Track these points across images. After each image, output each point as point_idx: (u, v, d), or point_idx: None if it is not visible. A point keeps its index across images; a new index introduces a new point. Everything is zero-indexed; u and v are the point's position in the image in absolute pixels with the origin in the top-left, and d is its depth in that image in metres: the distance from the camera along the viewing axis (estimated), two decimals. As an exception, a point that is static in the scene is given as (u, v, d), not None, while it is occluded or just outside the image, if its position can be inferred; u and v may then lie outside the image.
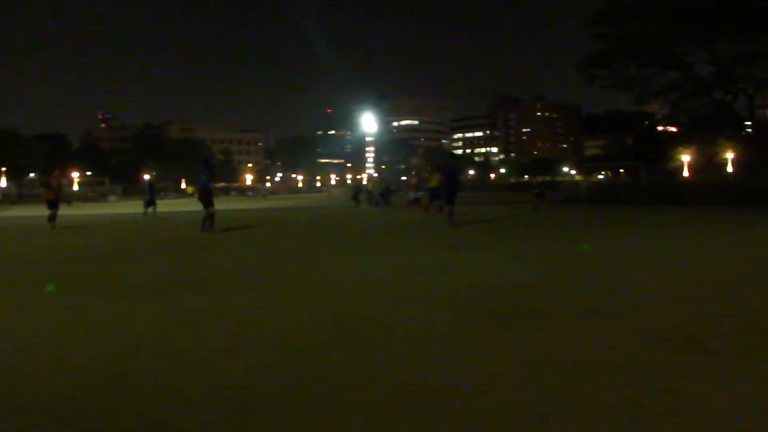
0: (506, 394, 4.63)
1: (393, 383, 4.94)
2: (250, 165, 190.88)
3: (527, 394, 4.63)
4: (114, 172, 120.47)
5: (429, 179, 31.90)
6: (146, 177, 37.01)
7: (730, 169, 76.71)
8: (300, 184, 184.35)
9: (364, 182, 49.71)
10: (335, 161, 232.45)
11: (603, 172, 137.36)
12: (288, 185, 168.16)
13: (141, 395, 4.77)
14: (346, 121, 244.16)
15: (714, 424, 4.03)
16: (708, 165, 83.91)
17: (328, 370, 5.31)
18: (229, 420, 4.26)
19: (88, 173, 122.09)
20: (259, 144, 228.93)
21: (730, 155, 76.36)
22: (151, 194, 32.08)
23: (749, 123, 58.55)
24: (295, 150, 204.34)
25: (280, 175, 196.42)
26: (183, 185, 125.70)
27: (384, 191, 43.22)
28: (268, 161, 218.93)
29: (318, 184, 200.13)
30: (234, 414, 4.36)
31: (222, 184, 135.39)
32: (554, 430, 4.00)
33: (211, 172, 21.00)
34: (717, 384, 4.79)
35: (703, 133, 73.31)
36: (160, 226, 24.98)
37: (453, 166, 22.38)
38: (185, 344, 6.21)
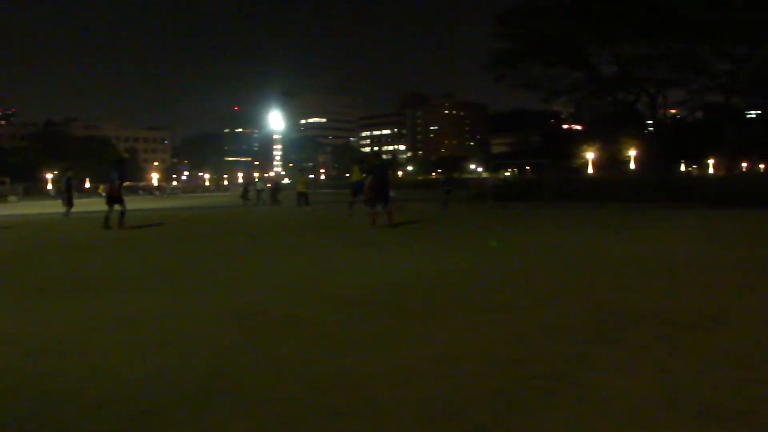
0: (418, 390, 4.65)
1: (302, 382, 4.91)
2: (156, 163, 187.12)
3: (439, 389, 4.65)
4: (14, 171, 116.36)
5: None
6: (53, 174, 35.66)
7: (632, 166, 79.02)
8: (207, 183, 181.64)
9: (257, 180, 49.38)
10: (243, 159, 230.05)
11: (509, 170, 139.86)
12: (195, 184, 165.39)
13: (47, 401, 4.64)
14: (254, 118, 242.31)
15: (620, 412, 4.17)
16: (611, 162, 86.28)
17: (235, 370, 5.26)
18: (135, 424, 4.17)
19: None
20: (165, 142, 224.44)
21: (632, 153, 78.66)
22: (68, 193, 30.79)
23: (651, 122, 60.20)
24: (202, 148, 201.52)
25: (186, 173, 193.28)
26: (87, 184, 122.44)
27: (273, 189, 42.92)
28: (175, 159, 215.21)
29: (225, 182, 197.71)
30: (141, 418, 4.26)
31: (128, 183, 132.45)
32: (467, 424, 4.02)
33: (122, 172, 20.74)
34: (622, 373, 4.95)
35: (606, 131, 75.42)
36: (74, 226, 24.13)
37: (381, 164, 21.64)
38: (91, 347, 6.08)
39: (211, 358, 5.57)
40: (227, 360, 5.53)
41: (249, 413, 4.28)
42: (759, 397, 4.43)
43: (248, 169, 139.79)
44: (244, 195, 43.15)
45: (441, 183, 36.88)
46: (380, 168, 21.13)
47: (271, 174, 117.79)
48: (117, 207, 20.25)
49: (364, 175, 24.46)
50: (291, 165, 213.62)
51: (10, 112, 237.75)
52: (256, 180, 49.58)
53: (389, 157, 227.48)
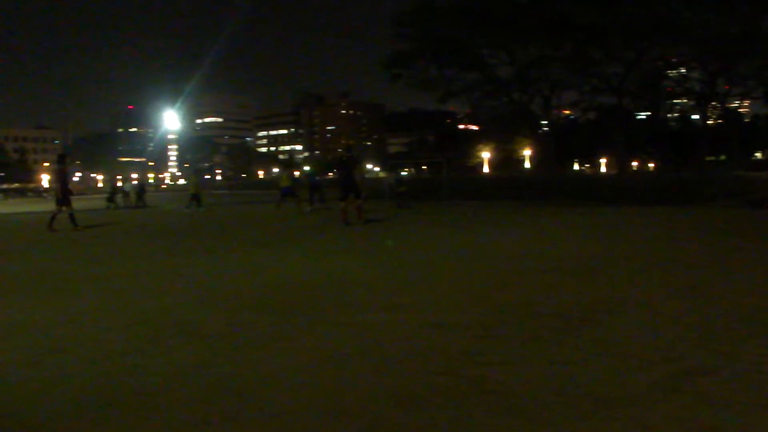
0: (310, 391, 4.60)
1: (195, 387, 4.77)
2: (46, 164, 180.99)
3: (335, 389, 4.61)
4: None
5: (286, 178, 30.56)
6: None
7: (527, 165, 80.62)
8: (100, 184, 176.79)
9: (119, 184, 48.34)
10: (137, 160, 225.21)
11: (406, 169, 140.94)
12: (88, 185, 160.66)
13: None
14: (149, 118, 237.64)
15: (512, 404, 4.22)
16: (507, 161, 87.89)
17: (128, 377, 5.06)
18: None
19: None
20: (56, 142, 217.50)
21: (527, 152, 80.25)
22: None
23: (545, 122, 61.51)
24: (95, 148, 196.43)
25: (79, 174, 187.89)
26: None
27: (139, 190, 41.76)
28: (67, 160, 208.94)
29: (119, 183, 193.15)
30: (35, 429, 4.07)
31: (16, 184, 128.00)
32: (360, 423, 3.99)
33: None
34: (513, 366, 5.02)
35: (501, 131, 76.66)
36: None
37: (347, 160, 20.68)
38: None
39: (104, 365, 5.37)
40: (120, 367, 5.33)
41: (143, 420, 4.16)
42: (646, 384, 4.55)
43: (113, 171, 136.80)
44: (111, 198, 41.47)
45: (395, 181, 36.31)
46: (345, 163, 20.51)
47: (135, 175, 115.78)
48: (64, 208, 19.74)
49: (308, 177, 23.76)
50: (186, 165, 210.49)
51: None
52: (122, 182, 48.18)
53: (285, 156, 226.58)
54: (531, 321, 6.48)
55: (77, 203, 23.22)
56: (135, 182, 46.63)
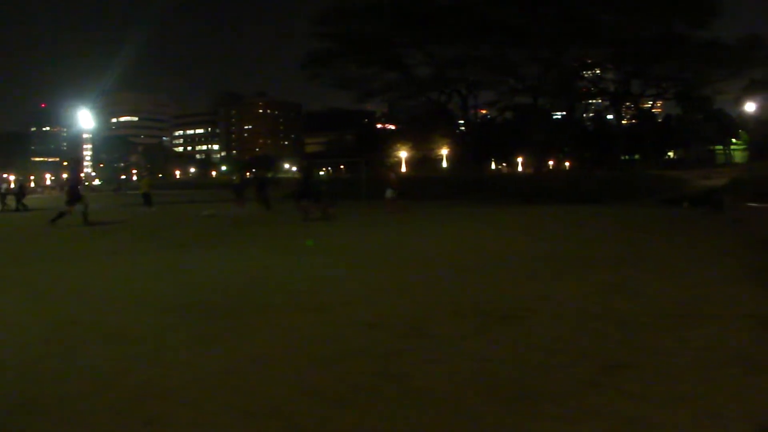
0: (237, 392, 4.54)
1: (119, 390, 4.64)
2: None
3: (258, 390, 4.57)
4: None
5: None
6: None
7: (444, 164, 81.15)
8: (12, 185, 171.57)
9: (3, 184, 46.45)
10: (51, 160, 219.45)
11: (324, 169, 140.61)
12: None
13: None
14: (63, 117, 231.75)
15: (439, 401, 4.24)
16: (424, 161, 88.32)
17: (48, 382, 4.86)
18: None
19: None
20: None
21: (444, 151, 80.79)
22: None
23: (462, 121, 61.92)
24: (7, 148, 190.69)
25: (6, 175, 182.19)
26: None
27: (18, 192, 39.88)
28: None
29: (32, 184, 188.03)
30: None
31: None
32: (287, 424, 3.97)
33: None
34: (440, 364, 5.05)
35: (419, 130, 77.01)
36: None
37: (306, 166, 22.42)
38: None
39: (23, 371, 5.16)
40: (38, 372, 5.12)
41: (66, 426, 4.02)
42: (569, 378, 4.64)
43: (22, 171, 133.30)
44: (2, 200, 39.41)
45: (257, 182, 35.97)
46: (306, 168, 22.48)
47: (10, 176, 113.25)
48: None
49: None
50: (102, 165, 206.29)
51: None
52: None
53: (202, 156, 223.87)
54: (457, 319, 6.52)
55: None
56: (12, 184, 43.96)
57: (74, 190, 20.54)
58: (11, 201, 38.40)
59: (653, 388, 4.38)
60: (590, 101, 76.79)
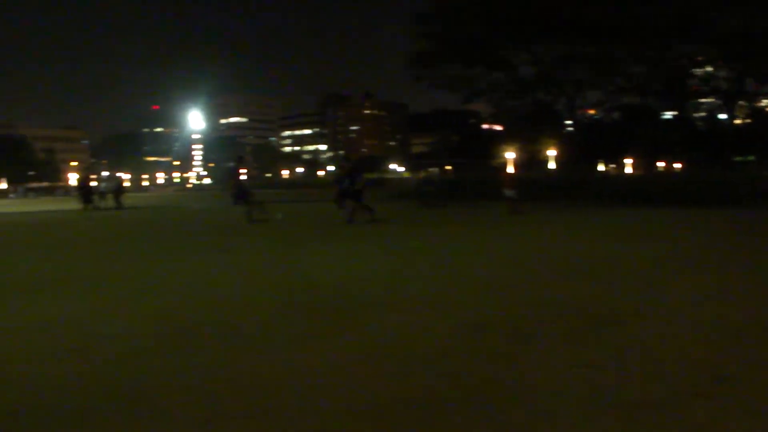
0: (344, 389, 4.62)
1: (228, 384, 4.80)
2: (74, 164, 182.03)
3: (364, 389, 4.63)
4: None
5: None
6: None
7: (552, 165, 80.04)
8: (127, 183, 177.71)
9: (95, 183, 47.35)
10: (163, 159, 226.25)
11: (430, 170, 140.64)
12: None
13: None
14: (174, 118, 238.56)
15: (541, 408, 4.21)
16: (531, 162, 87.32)
17: (150, 374, 5.10)
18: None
19: None
20: (84, 142, 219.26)
21: (551, 152, 79.65)
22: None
23: (569, 122, 61.00)
24: (122, 148, 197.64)
25: (106, 173, 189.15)
26: (4, 185, 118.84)
27: (116, 190, 40.20)
28: (94, 159, 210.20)
29: (145, 183, 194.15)
30: (61, 426, 4.09)
31: (45, 183, 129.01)
32: (392, 423, 3.98)
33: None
34: (542, 369, 5.03)
35: (525, 131, 76.14)
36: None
37: (349, 163, 22.38)
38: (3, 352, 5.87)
39: (125, 363, 5.40)
40: (141, 365, 5.36)
41: (165, 415, 4.19)
42: (674, 389, 4.52)
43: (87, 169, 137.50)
44: (87, 199, 40.20)
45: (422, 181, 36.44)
46: (348, 167, 22.50)
47: (106, 174, 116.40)
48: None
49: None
50: (212, 165, 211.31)
51: None
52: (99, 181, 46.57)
53: (309, 156, 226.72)
54: (562, 322, 6.50)
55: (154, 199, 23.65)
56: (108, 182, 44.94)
57: (240, 188, 21.53)
58: (109, 199, 39.79)
59: (764, 404, 4.23)
60: (701, 100, 74.47)
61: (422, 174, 40.18)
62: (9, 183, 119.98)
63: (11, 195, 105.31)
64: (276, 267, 11.25)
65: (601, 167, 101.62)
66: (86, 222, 26.03)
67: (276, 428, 3.96)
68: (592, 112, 72.38)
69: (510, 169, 26.60)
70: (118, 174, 67.18)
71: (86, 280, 10.25)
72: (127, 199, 41.19)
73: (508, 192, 25.45)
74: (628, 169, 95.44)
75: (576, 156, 59.38)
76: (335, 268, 10.78)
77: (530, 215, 23.20)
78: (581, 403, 4.25)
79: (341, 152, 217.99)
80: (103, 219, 27.40)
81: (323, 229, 19.14)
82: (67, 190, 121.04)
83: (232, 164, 22.65)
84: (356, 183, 21.10)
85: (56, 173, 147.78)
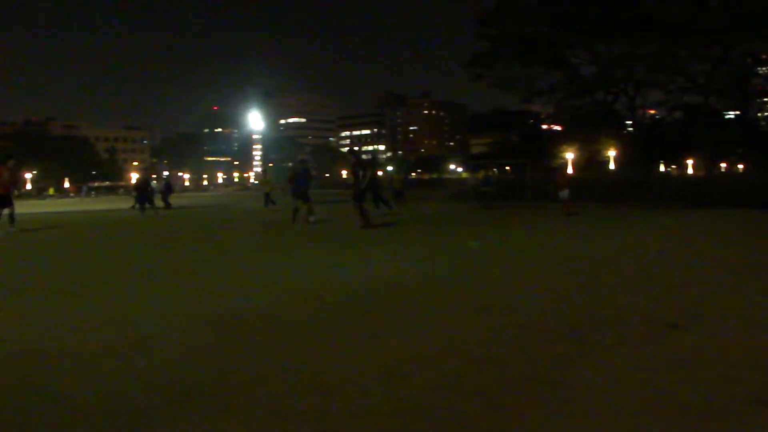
0: (395, 391, 4.61)
1: (284, 382, 4.88)
2: (135, 163, 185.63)
3: (420, 390, 4.61)
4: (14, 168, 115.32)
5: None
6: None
7: (612, 166, 79.13)
8: (186, 183, 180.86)
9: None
10: (222, 159, 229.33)
11: (489, 170, 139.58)
12: (175, 184, 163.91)
13: (30, 402, 4.58)
14: (233, 118, 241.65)
15: (598, 412, 4.15)
16: (591, 162, 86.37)
17: (220, 371, 5.19)
18: (114, 425, 4.12)
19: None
20: (145, 142, 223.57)
21: (612, 153, 78.78)
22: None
23: (630, 122, 60.47)
24: (182, 148, 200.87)
25: (166, 173, 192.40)
26: (66, 184, 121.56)
27: (165, 191, 40.40)
28: (155, 159, 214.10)
29: (205, 182, 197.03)
30: (129, 421, 4.19)
31: (107, 183, 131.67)
32: (447, 426, 3.98)
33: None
34: (600, 373, 4.92)
35: (585, 131, 75.34)
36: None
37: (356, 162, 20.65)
38: (66, 349, 5.94)
39: (195, 360, 5.50)
40: (211, 361, 5.46)
41: (236, 413, 4.26)
42: (735, 396, 4.40)
43: (243, 169, 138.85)
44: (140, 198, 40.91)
45: (481, 181, 36.53)
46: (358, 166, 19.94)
47: (166, 173, 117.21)
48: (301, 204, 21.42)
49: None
50: (271, 165, 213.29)
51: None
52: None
53: (368, 157, 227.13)
54: (621, 325, 6.34)
55: (208, 198, 23.70)
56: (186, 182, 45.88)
57: (299, 186, 21.68)
58: (158, 199, 40.80)
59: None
60: (765, 99, 73.10)
61: (480, 174, 40.06)
62: (71, 183, 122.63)
63: (72, 194, 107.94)
64: (345, 265, 11.34)
65: (661, 168, 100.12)
66: (142, 221, 26.58)
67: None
68: (652, 112, 71.65)
69: (563, 169, 25.65)
70: (166, 173, 68.34)
71: (139, 278, 10.66)
72: (181, 199, 41.93)
73: (562, 193, 24.97)
74: (690, 170, 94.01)
75: (636, 156, 58.76)
76: (387, 267, 10.84)
77: (583, 216, 22.97)
78: (641, 407, 4.24)
79: (398, 152, 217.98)
80: (153, 219, 27.80)
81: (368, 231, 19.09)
82: (128, 189, 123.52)
83: (296, 164, 21.92)
84: (363, 181, 19.15)
85: (118, 172, 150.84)
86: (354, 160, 19.89)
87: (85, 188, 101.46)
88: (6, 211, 19.21)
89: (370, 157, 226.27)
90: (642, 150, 57.43)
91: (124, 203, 42.55)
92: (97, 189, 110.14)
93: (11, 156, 22.25)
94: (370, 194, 22.98)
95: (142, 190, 35.17)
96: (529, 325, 6.43)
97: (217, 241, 17.16)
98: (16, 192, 17.99)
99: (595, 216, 23.30)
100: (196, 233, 19.92)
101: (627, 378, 4.79)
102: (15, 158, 22.86)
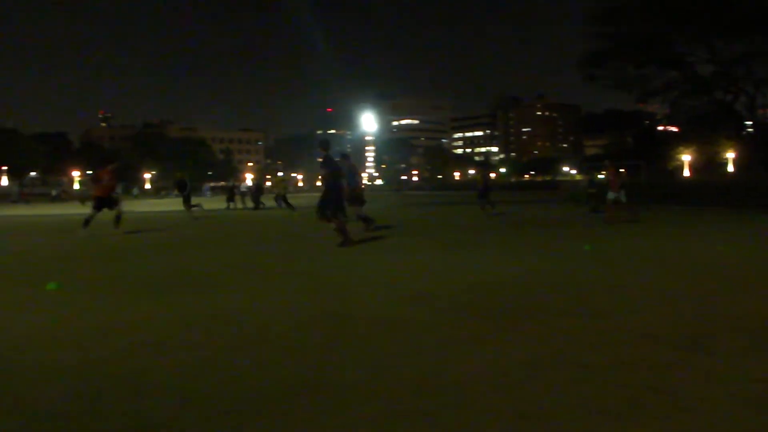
0: (509, 395, 4.59)
1: (397, 381, 4.90)
2: (250, 164, 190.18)
3: (530, 395, 4.57)
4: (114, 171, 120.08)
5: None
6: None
7: (731, 168, 76.67)
8: (300, 183, 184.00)
9: (246, 183, 48.86)
10: (336, 160, 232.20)
11: (603, 172, 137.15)
12: (289, 184, 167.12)
13: (145, 395, 4.73)
14: (347, 120, 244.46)
15: (715, 424, 4.03)
16: (708, 164, 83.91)
17: (330, 368, 5.25)
18: (231, 419, 4.21)
19: (89, 172, 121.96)
20: (260, 143, 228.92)
21: (730, 155, 76.41)
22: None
23: (750, 122, 58.42)
24: (295, 149, 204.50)
25: (280, 174, 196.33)
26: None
27: (255, 192, 41.75)
28: (269, 160, 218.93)
29: (318, 183, 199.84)
30: (236, 412, 4.31)
31: (222, 183, 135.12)
32: (560, 430, 3.97)
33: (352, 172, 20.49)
34: (716, 383, 4.77)
35: (703, 132, 73.29)
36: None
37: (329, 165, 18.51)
38: (187, 343, 6.16)
39: (303, 358, 5.59)
40: (321, 359, 5.56)
41: (341, 410, 4.33)
42: None
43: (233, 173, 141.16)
44: (230, 198, 42.42)
45: (587, 183, 36.17)
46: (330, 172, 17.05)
47: (250, 175, 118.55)
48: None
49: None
50: (384, 166, 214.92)
51: (110, 115, 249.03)
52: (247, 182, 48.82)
53: (481, 158, 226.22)
54: (737, 334, 6.18)
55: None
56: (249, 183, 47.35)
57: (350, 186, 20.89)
58: (247, 200, 42.12)
59: None
60: None
61: (593, 176, 39.37)
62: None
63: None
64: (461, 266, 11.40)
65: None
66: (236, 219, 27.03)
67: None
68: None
69: (615, 168, 23.16)
70: (280, 174, 69.78)
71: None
72: (295, 199, 42.95)
73: (612, 194, 22.35)
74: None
75: (757, 159, 56.74)
76: (496, 270, 10.66)
77: (688, 221, 22.26)
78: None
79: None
80: (242, 217, 28.27)
81: (479, 231, 18.99)
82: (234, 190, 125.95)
83: (340, 160, 20.48)
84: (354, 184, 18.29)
85: (233, 173, 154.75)
86: (325, 155, 17.18)
87: (207, 188, 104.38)
88: (113, 211, 19.47)
89: (482, 159, 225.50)
90: (763, 152, 55.43)
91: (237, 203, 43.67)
92: (214, 189, 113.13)
93: (113, 160, 23.21)
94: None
95: (258, 190, 36.65)
96: (644, 332, 6.30)
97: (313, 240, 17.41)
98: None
99: (703, 222, 22.48)
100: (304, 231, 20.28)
101: (743, 388, 4.67)
102: (116, 163, 23.64)
